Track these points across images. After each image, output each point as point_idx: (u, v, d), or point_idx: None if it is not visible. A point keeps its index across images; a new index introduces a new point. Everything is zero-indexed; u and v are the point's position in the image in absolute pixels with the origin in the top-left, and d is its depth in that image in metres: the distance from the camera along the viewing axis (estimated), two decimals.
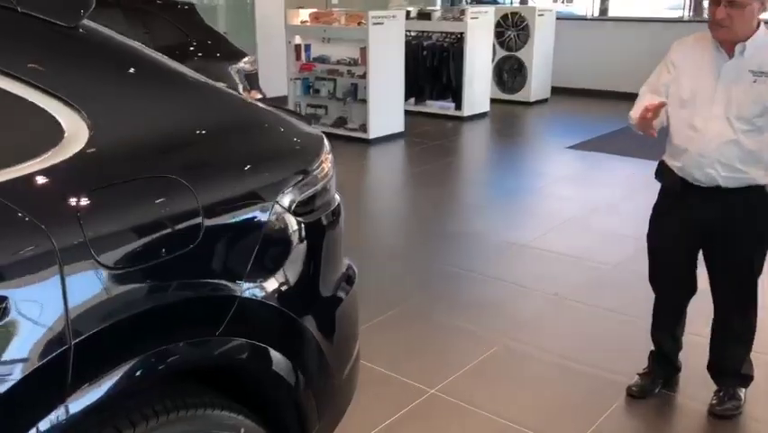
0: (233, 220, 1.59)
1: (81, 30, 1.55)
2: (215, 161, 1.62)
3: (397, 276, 4.33)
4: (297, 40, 8.32)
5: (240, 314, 1.56)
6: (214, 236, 1.52)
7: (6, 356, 1.22)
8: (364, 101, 7.82)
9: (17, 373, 1.22)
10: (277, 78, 8.70)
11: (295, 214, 1.70)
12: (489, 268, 4.41)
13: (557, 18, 10.46)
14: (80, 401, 1.30)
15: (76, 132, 1.40)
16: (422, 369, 3.19)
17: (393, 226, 5.46)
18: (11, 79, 1.35)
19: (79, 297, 1.30)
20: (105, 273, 1.34)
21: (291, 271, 1.73)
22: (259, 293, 1.62)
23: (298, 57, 8.34)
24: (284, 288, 1.70)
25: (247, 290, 1.58)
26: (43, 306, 1.26)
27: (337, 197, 1.97)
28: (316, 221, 1.81)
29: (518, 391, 3.07)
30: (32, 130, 1.40)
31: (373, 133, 7.83)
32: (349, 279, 2.02)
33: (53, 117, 1.39)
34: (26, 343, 1.24)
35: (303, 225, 1.74)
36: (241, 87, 6.02)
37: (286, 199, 1.68)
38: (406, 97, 8.65)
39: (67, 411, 1.28)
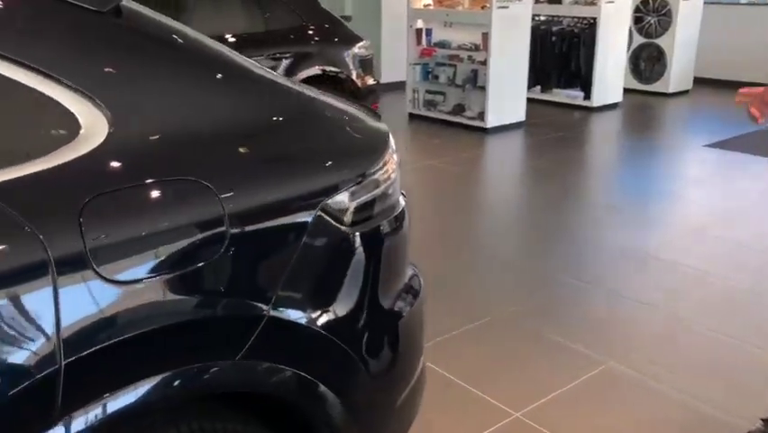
0: (264, 230, 1.41)
1: (116, 15, 1.41)
2: (249, 163, 1.45)
3: (498, 280, 4.04)
4: (419, 24, 8.11)
5: (267, 336, 1.38)
6: (239, 248, 1.35)
7: None
8: (483, 88, 7.50)
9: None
10: (399, 63, 8.56)
11: (345, 223, 1.53)
12: (605, 278, 4.02)
13: (705, 2, 9.59)
14: (69, 428, 1.17)
15: (94, 127, 1.26)
16: (508, 388, 2.91)
17: (502, 224, 5.15)
18: (24, 69, 1.23)
19: (74, 312, 1.17)
20: (105, 287, 1.20)
21: (336, 286, 1.54)
22: (293, 313, 1.44)
23: (419, 41, 8.12)
24: (326, 306, 1.51)
25: (277, 309, 1.40)
26: (32, 320, 1.14)
27: (402, 200, 1.77)
28: (374, 230, 1.61)
29: (615, 424, 2.73)
30: (45, 125, 1.28)
31: (491, 121, 7.50)
32: (411, 290, 1.82)
33: (69, 111, 1.26)
34: (10, 359, 1.12)
35: (356, 236, 1.56)
36: (354, 74, 5.91)
37: (334, 207, 1.50)
38: (532, 85, 8.25)
39: None
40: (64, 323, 1.15)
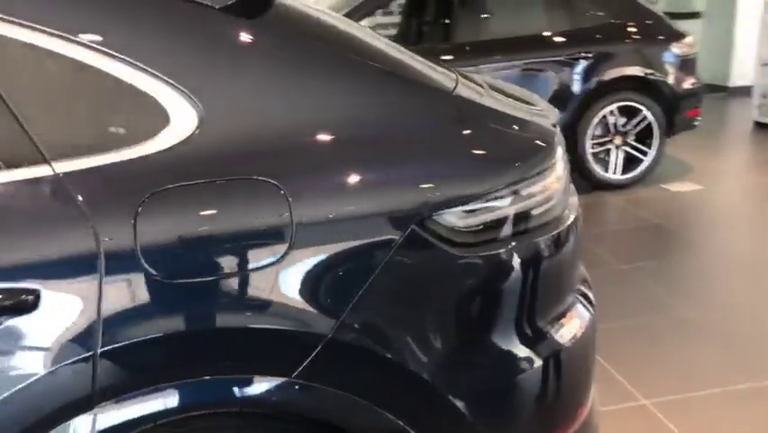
0: (334, 243, 1.25)
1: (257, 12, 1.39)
2: (332, 168, 1.28)
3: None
4: None
5: (329, 359, 1.24)
6: (303, 258, 1.22)
7: (28, 352, 1.17)
8: None
9: (37, 370, 1.16)
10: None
11: (456, 244, 1.29)
12: None
13: None
14: (102, 417, 1.18)
15: (183, 122, 1.23)
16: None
17: None
18: (123, 63, 1.23)
19: (118, 303, 1.17)
20: (152, 281, 1.17)
21: (434, 317, 1.32)
22: (365, 340, 1.27)
23: None
24: (415, 339, 1.30)
25: (343, 332, 1.24)
26: (75, 306, 1.17)
27: (570, 213, 1.50)
28: (508, 252, 1.35)
29: None
30: (135, 116, 1.28)
31: None
32: (571, 320, 1.51)
33: (160, 104, 1.24)
34: (49, 342, 1.16)
35: (474, 259, 1.32)
36: (671, 75, 5.24)
37: (437, 225, 1.28)
38: None
39: (85, 423, 1.18)
40: (105, 310, 1.16)
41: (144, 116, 1.23)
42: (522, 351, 1.40)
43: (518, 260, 1.36)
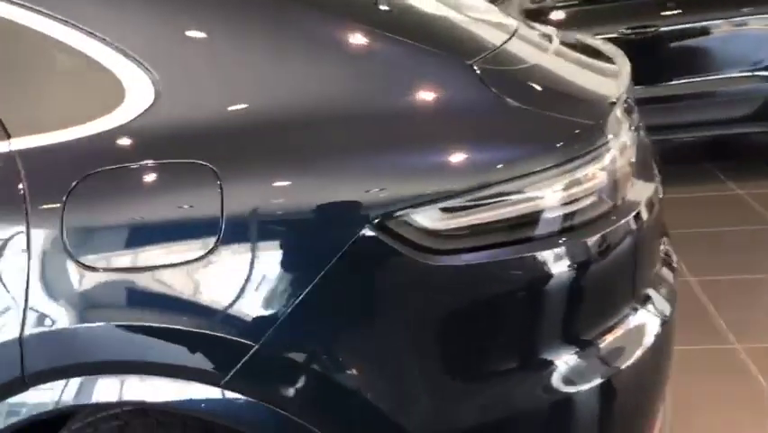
0: (269, 241, 1.06)
1: None
2: (277, 156, 1.08)
3: None
4: None
5: (257, 369, 1.06)
6: (232, 255, 1.05)
7: None
8: None
9: None
10: None
11: (425, 249, 1.05)
12: None
13: None
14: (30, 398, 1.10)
15: (139, 97, 1.09)
16: None
17: None
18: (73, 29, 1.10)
19: (43, 287, 1.07)
20: (75, 268, 1.06)
21: (397, 335, 1.08)
22: (298, 355, 1.07)
23: None
24: (362, 359, 1.08)
25: (274, 342, 1.05)
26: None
27: (633, 206, 1.20)
28: (513, 261, 1.08)
29: None
30: (89, 91, 1.13)
31: None
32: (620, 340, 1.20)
33: (116, 78, 1.10)
34: None
35: (448, 269, 1.06)
36: None
37: (402, 225, 1.04)
38: None
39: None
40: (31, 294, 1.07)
41: (97, 93, 1.12)
42: (526, 384, 1.13)
43: (526, 271, 1.10)
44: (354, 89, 1.12)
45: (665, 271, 1.41)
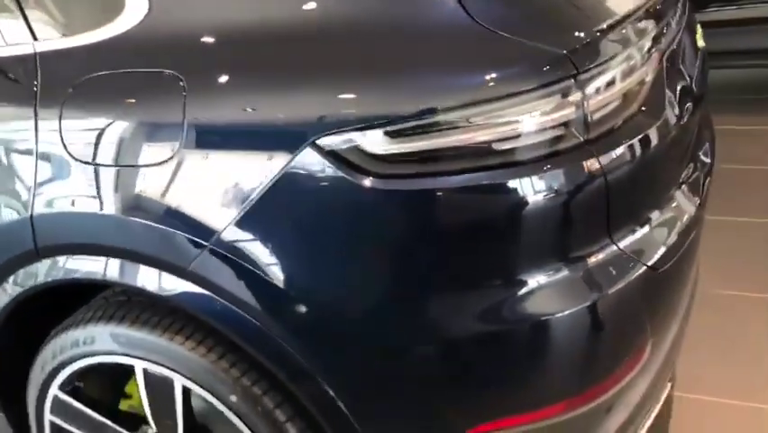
0: (223, 148, 1.12)
1: None
2: (241, 68, 1.13)
3: None
4: None
5: (210, 266, 1.14)
6: (191, 160, 1.12)
7: None
8: None
9: None
10: None
11: (369, 172, 1.05)
12: None
13: None
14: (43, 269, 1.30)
15: (136, 9, 1.19)
16: None
17: None
18: None
19: (47, 178, 1.25)
20: (71, 164, 1.22)
21: (331, 250, 1.10)
22: (239, 248, 1.11)
23: None
24: (301, 266, 1.11)
25: (218, 244, 1.12)
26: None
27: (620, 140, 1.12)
28: (471, 189, 1.05)
29: None
30: (98, 1, 1.26)
31: None
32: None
33: None
34: None
35: (388, 194, 1.05)
36: None
37: (344, 145, 1.04)
38: None
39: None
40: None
41: (105, 3, 1.24)
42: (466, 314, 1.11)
43: (472, 202, 1.07)
44: (313, 7, 1.14)
45: (681, 209, 1.31)
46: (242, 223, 1.10)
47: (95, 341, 1.29)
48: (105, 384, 1.43)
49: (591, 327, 1.13)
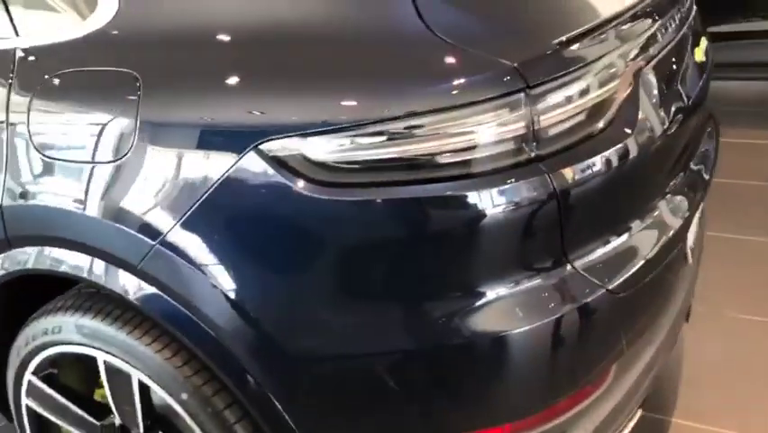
0: (173, 148, 1.12)
1: None
2: (194, 70, 1.15)
3: None
4: None
5: (158, 264, 1.15)
6: (143, 159, 1.14)
7: None
8: None
9: None
10: None
11: (310, 179, 1.04)
12: None
13: None
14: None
15: (106, 10, 1.22)
16: None
17: None
18: None
19: (17, 171, 1.30)
20: (35, 157, 1.27)
21: (270, 254, 1.10)
22: (184, 247, 1.12)
23: None
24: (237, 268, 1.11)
25: (165, 244, 1.13)
26: None
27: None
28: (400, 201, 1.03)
29: None
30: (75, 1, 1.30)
31: None
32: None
33: None
34: None
35: (329, 202, 1.04)
36: None
37: (287, 151, 1.04)
38: None
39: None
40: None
41: (80, 3, 1.28)
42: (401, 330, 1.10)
43: (411, 214, 1.05)
44: (267, 14, 1.14)
45: (657, 231, 1.26)
46: (187, 224, 1.11)
47: (61, 330, 1.33)
48: (80, 373, 1.47)
49: (537, 348, 1.09)
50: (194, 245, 1.11)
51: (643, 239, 1.23)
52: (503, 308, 1.08)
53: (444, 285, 1.08)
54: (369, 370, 1.12)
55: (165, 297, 1.16)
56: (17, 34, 1.30)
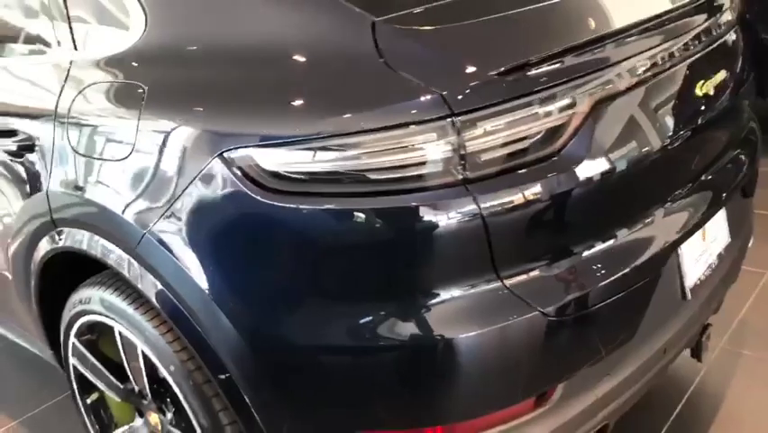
0: (161, 153, 1.30)
1: None
2: (185, 82, 1.33)
3: None
4: None
5: (148, 249, 1.33)
6: (141, 161, 1.33)
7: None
8: None
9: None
10: None
11: (265, 186, 1.17)
12: None
13: None
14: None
15: (136, 30, 1.43)
16: None
17: None
18: None
19: (60, 167, 1.55)
20: (72, 154, 1.50)
21: (223, 258, 1.25)
22: (166, 238, 1.29)
23: None
24: (205, 264, 1.26)
25: (154, 233, 1.30)
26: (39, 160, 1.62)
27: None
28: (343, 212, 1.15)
29: None
30: (115, 21, 1.51)
31: None
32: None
33: (128, 11, 1.45)
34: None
35: (279, 209, 1.16)
36: None
37: (246, 160, 1.17)
38: None
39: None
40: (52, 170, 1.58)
41: (119, 24, 1.49)
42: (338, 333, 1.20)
43: (350, 225, 1.15)
44: (237, 39, 1.30)
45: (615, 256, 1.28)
46: (168, 217, 1.29)
47: (90, 301, 1.56)
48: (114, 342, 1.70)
49: (460, 360, 1.16)
50: (172, 237, 1.29)
51: (597, 265, 1.25)
52: (430, 317, 1.16)
53: (375, 291, 1.18)
54: (310, 362, 1.24)
55: (154, 279, 1.35)
56: (76, 48, 1.54)
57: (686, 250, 1.45)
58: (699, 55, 1.44)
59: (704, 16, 1.48)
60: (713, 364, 2.17)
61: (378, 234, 1.15)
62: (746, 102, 1.74)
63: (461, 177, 1.12)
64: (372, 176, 1.13)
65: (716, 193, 1.52)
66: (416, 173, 1.12)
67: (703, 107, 1.46)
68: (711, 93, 1.47)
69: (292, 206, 1.17)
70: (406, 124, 1.10)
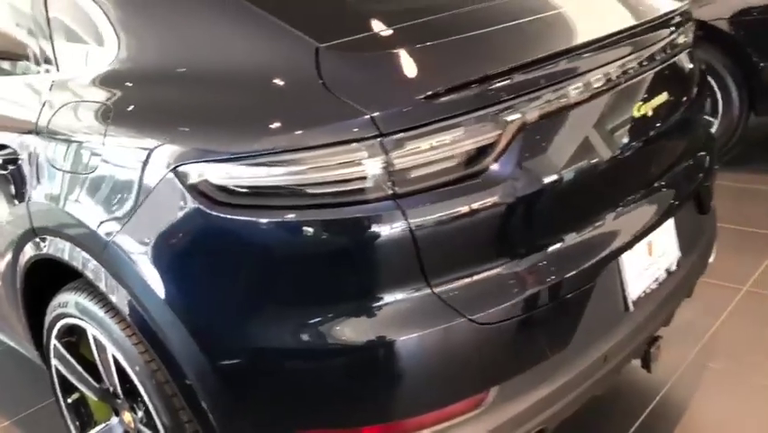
0: (124, 166, 1.41)
1: None
2: (143, 99, 1.45)
3: None
4: None
5: (111, 256, 1.43)
6: (107, 172, 1.44)
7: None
8: None
9: None
10: None
11: (212, 199, 1.27)
12: None
13: None
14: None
15: (111, 51, 1.55)
16: None
17: None
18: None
19: (45, 180, 1.68)
20: (53, 169, 1.62)
21: (179, 270, 1.35)
22: (131, 248, 1.38)
23: None
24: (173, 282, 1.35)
25: (116, 239, 1.40)
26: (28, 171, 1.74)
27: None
28: (285, 223, 1.24)
29: None
30: (90, 45, 1.63)
31: None
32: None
33: (103, 39, 1.57)
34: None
35: (224, 221, 1.26)
36: None
37: (196, 175, 1.27)
38: None
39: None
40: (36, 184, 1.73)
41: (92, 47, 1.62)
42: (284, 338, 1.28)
43: (290, 236, 1.24)
44: (199, 56, 1.42)
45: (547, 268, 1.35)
46: (128, 226, 1.39)
47: (67, 305, 1.66)
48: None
49: (388, 362, 1.24)
50: (132, 245, 1.39)
51: (527, 275, 1.32)
52: (367, 322, 1.25)
53: (316, 297, 1.27)
54: (257, 365, 1.32)
55: (119, 285, 1.44)
56: (58, 68, 1.67)
57: (627, 262, 1.52)
58: (634, 77, 1.51)
59: (638, 40, 1.54)
60: (680, 377, 2.22)
61: (318, 245, 1.24)
62: (699, 122, 1.80)
63: (390, 192, 1.21)
64: (310, 190, 1.23)
65: (658, 208, 1.58)
66: (350, 188, 1.21)
67: (639, 127, 1.53)
68: (649, 113, 1.54)
69: (239, 218, 1.26)
70: (341, 143, 1.19)
